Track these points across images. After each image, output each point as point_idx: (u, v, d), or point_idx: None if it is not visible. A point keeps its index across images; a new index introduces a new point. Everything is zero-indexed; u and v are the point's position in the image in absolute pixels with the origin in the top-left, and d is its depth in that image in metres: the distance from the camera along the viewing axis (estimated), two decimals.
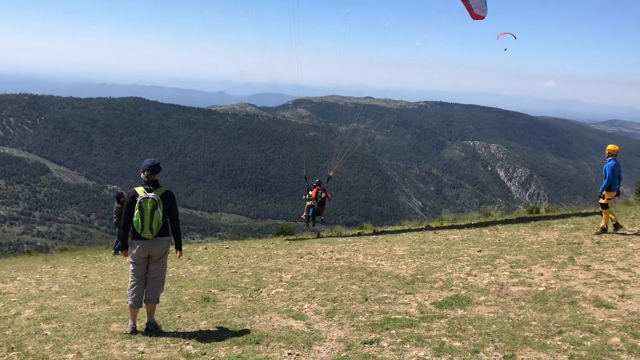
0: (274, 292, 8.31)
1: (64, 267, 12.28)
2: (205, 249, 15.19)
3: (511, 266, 9.23)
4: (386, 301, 7.46)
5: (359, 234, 17.44)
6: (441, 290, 7.94)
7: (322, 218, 14.35)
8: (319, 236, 17.09)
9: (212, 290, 8.48)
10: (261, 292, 8.37)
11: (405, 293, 7.84)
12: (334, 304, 7.42)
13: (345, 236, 18.12)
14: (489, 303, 7.13)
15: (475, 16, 8.68)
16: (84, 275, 10.68)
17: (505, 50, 39.66)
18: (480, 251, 10.94)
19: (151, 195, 6.34)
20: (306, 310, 7.20)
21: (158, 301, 6.64)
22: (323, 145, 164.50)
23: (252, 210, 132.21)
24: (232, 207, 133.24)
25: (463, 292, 7.71)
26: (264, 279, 9.38)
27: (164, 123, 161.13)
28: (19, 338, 6.10)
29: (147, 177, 6.49)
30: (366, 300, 7.55)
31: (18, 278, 10.66)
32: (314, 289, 8.31)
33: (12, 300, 8.10)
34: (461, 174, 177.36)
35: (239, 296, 8.08)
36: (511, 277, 8.44)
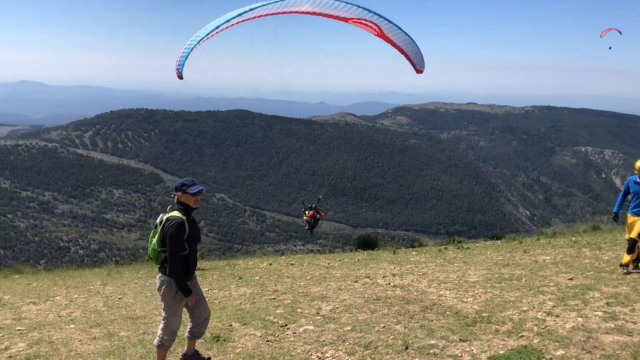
0: (301, 329, 6.97)
1: (113, 284, 11.73)
2: (270, 264, 14.18)
3: (608, 303, 7.23)
4: (431, 351, 5.87)
5: (445, 248, 15.62)
6: (507, 337, 6.19)
7: (315, 228, 15.52)
8: (394, 252, 15.50)
9: (233, 324, 7.30)
10: (288, 328, 7.06)
11: (460, 339, 6.18)
12: (365, 352, 5.95)
13: (428, 245, 16.37)
14: None
15: (418, 71, 9.55)
16: (119, 297, 9.97)
17: (610, 48, 35.68)
18: (571, 279, 8.93)
19: (162, 215, 5.46)
20: (328, 359, 5.81)
21: (157, 345, 5.57)
22: (424, 153, 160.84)
23: (351, 219, 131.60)
24: (332, 215, 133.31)
25: (535, 341, 5.92)
26: (299, 310, 8.06)
27: (267, 134, 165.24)
28: None
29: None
30: (406, 348, 6.00)
31: (57, 297, 10.16)
32: (349, 328, 6.87)
33: (17, 329, 7.45)
34: (572, 182, 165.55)
35: (259, 334, 6.83)
36: (605, 320, 6.49)
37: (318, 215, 15.32)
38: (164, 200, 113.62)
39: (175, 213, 5.36)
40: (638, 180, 9.44)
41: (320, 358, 5.87)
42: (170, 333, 5.51)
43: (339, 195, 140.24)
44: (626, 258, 9.23)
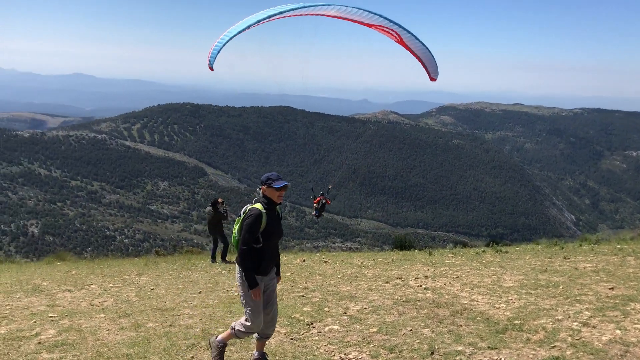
0: (327, 329, 6.90)
1: (148, 275, 11.94)
2: (304, 261, 14.20)
3: None
4: (457, 358, 5.69)
5: (483, 251, 15.22)
6: (539, 347, 5.96)
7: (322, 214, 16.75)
8: (430, 254, 15.25)
9: None
10: (313, 327, 7.00)
11: (488, 347, 5.99)
12: (389, 355, 5.83)
13: (469, 246, 16.03)
14: None
15: (432, 79, 10.50)
16: (152, 288, 10.12)
17: None
18: (612, 289, 8.56)
19: (247, 206, 5.51)
20: None
21: (231, 328, 5.55)
22: (467, 154, 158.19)
23: (391, 218, 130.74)
24: (372, 213, 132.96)
25: (568, 353, 5.68)
26: (326, 309, 7.99)
27: (309, 130, 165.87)
28: None
29: None
30: (432, 354, 5.85)
31: (92, 285, 10.41)
32: (375, 330, 6.76)
33: (49, 316, 7.65)
34: (621, 187, 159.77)
35: (284, 331, 6.80)
36: None
37: (324, 201, 16.49)
38: (207, 193, 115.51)
39: (257, 205, 5.35)
40: None
41: (342, 359, 5.79)
42: (247, 328, 5.37)
43: (380, 193, 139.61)
44: None
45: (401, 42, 9.47)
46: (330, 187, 17.74)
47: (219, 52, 8.23)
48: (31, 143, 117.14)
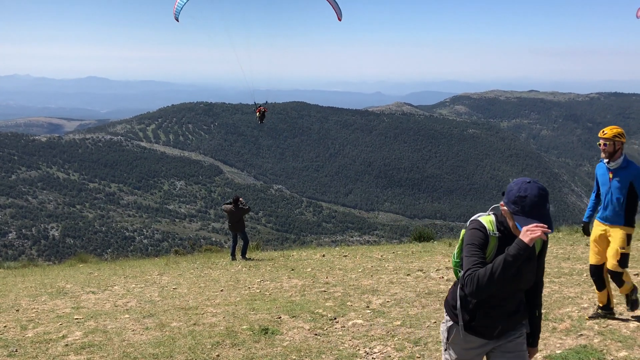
0: (350, 323, 6.89)
1: (169, 274, 12.02)
2: (323, 256, 14.18)
3: None
4: None
5: None
6: (566, 335, 5.89)
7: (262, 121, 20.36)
8: (450, 245, 15.17)
9: (282, 317, 7.29)
10: (336, 322, 6.99)
11: None
12: (414, 349, 5.80)
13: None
14: None
15: (339, 19, 13.01)
16: (174, 287, 10.18)
17: None
18: (637, 275, 8.44)
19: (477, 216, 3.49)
20: (375, 355, 5.69)
21: None
22: (483, 143, 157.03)
23: (408, 210, 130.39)
24: (388, 206, 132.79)
25: (596, 341, 5.61)
26: (349, 303, 7.98)
27: (323, 125, 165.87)
28: None
29: None
30: None
31: (115, 286, 10.50)
32: (399, 323, 6.73)
33: (74, 318, 7.72)
34: None
35: (307, 327, 6.79)
36: None
37: (263, 110, 20.28)
38: (224, 191, 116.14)
39: (485, 218, 3.32)
40: (606, 163, 6.03)
41: (367, 353, 5.77)
42: None
43: (396, 186, 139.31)
44: (601, 297, 6.42)
45: None
46: (266, 101, 21.78)
47: (183, 6, 8.65)
48: (49, 147, 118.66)
